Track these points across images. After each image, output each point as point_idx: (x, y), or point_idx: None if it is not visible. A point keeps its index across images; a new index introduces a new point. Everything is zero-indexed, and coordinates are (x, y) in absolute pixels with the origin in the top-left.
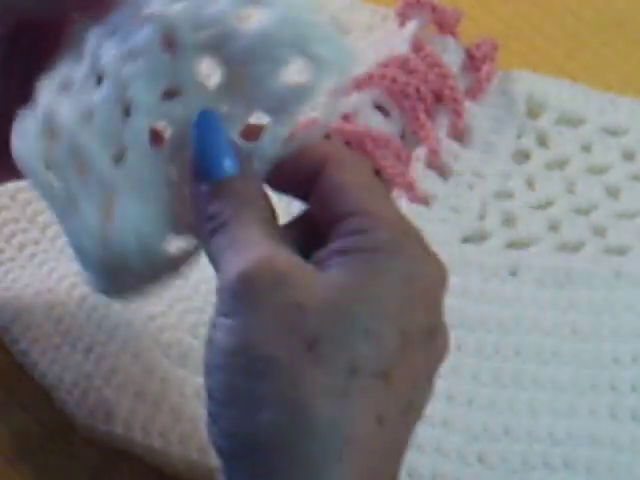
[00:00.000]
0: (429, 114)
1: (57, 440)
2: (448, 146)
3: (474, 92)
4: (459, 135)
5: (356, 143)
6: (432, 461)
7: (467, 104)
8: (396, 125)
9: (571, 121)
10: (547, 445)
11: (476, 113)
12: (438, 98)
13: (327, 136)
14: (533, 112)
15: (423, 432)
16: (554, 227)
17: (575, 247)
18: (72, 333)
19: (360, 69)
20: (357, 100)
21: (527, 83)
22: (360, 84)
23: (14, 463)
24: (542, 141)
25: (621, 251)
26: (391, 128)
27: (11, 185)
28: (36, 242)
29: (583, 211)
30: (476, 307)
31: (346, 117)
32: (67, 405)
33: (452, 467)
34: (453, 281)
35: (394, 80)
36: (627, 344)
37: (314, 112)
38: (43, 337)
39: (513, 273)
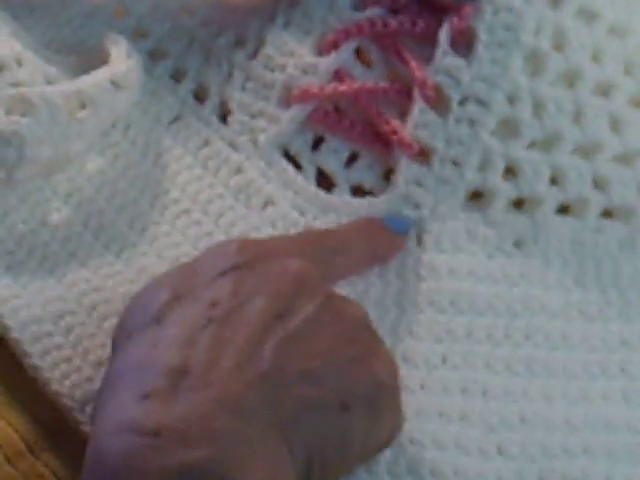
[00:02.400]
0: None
1: (58, 440)
2: (450, 65)
3: None
4: (465, 39)
5: (352, 98)
6: (453, 457)
7: None
8: (380, 73)
9: (590, 14)
10: (565, 432)
11: (486, 7)
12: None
13: (322, 111)
14: (554, 2)
15: (442, 429)
16: (557, 180)
17: (578, 207)
18: (82, 344)
19: None
20: (345, 53)
21: None
22: (350, 33)
23: (15, 463)
24: (558, 43)
25: (624, 214)
26: (376, 77)
27: None
28: (45, 244)
29: (587, 153)
30: (482, 288)
31: (338, 74)
32: (81, 425)
33: (473, 462)
34: (458, 260)
35: (386, 24)
36: (635, 325)
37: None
38: (53, 349)
39: (518, 245)
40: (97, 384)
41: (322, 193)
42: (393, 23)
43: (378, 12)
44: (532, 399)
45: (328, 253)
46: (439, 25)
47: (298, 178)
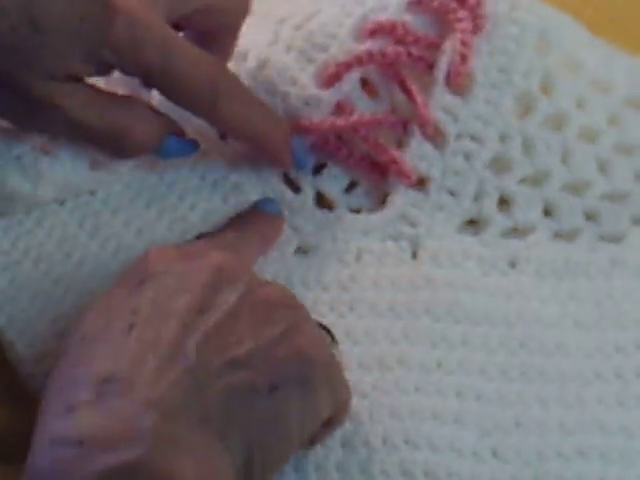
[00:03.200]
0: (429, 67)
1: None
2: (447, 103)
3: (477, 23)
4: (461, 80)
5: (351, 130)
6: (447, 460)
7: (473, 39)
8: (384, 103)
9: (574, 65)
10: (559, 436)
11: (482, 48)
12: (437, 46)
13: (322, 139)
14: (542, 49)
15: (436, 431)
16: (549, 212)
17: (571, 235)
18: None
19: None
20: (348, 84)
21: (540, 15)
22: (351, 65)
23: (15, 463)
24: (546, 88)
25: (615, 239)
26: (379, 108)
27: None
28: (41, 245)
29: (577, 190)
30: (478, 300)
31: (339, 106)
32: None
33: (467, 464)
34: (454, 274)
35: (384, 54)
36: (629, 332)
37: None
38: (47, 355)
39: (512, 264)
40: None
41: (318, 211)
42: (391, 53)
43: (379, 43)
44: (527, 404)
45: (232, 251)
46: (435, 51)
47: (294, 200)
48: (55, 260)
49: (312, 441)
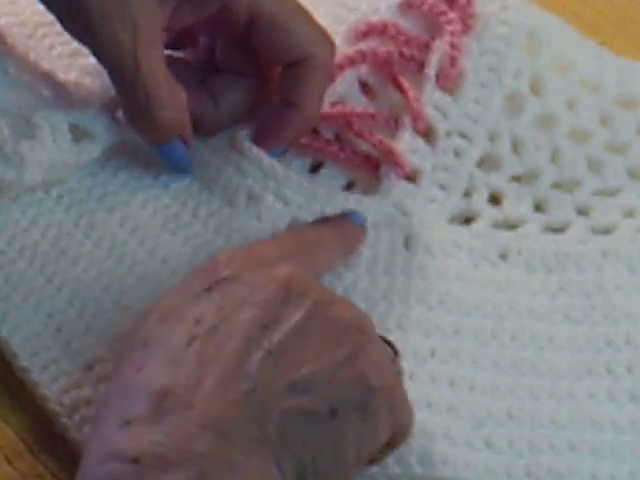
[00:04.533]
0: (420, 67)
1: (57, 441)
2: (438, 100)
3: (467, 22)
4: (452, 77)
5: (344, 124)
6: (442, 448)
7: (464, 39)
8: (381, 102)
9: (564, 65)
10: (551, 429)
11: (472, 48)
12: (428, 47)
13: (315, 137)
14: (532, 50)
15: (431, 419)
16: (540, 207)
17: (561, 228)
18: (72, 345)
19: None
20: (342, 85)
21: (529, 15)
22: (343, 66)
23: (14, 463)
24: (535, 88)
25: (606, 231)
26: (377, 107)
27: None
28: (36, 243)
29: (567, 188)
30: (470, 291)
31: (334, 105)
32: (68, 432)
33: (461, 453)
34: (446, 264)
35: (376, 54)
36: (619, 326)
37: None
38: (43, 349)
39: (503, 257)
40: (86, 391)
41: (305, 182)
42: (382, 52)
43: (371, 43)
44: (519, 396)
45: (310, 248)
46: (426, 51)
47: (277, 167)
48: (50, 258)
49: (370, 462)
